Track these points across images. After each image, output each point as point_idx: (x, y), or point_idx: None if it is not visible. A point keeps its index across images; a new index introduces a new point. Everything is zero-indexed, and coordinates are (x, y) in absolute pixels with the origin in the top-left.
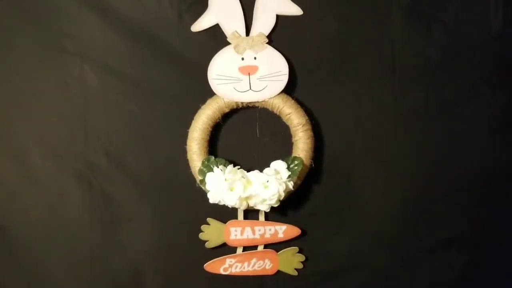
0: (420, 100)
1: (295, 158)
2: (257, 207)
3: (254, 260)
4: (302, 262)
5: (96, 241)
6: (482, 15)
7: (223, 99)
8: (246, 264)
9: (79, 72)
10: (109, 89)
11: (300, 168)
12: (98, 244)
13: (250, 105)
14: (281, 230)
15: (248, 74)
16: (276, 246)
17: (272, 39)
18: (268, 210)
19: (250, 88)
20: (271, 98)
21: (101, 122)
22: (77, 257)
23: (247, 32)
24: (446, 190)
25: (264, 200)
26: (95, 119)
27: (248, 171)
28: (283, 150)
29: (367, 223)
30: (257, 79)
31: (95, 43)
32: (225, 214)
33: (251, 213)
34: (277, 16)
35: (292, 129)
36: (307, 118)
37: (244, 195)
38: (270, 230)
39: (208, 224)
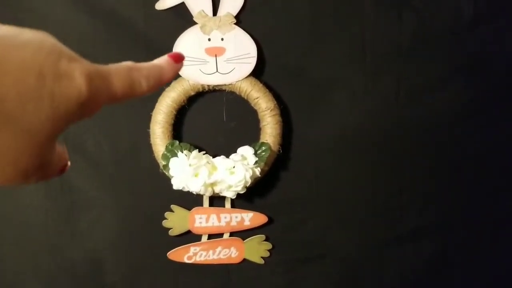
0: (391, 86)
1: (263, 143)
2: (223, 194)
3: (219, 248)
4: (268, 250)
5: (53, 230)
6: (453, 2)
7: (188, 81)
8: (211, 252)
9: None
10: None
11: (267, 154)
12: (55, 232)
13: (216, 88)
14: (248, 218)
15: (215, 55)
16: (242, 234)
17: (240, 20)
18: (234, 197)
19: (217, 71)
20: (238, 81)
21: None
22: (33, 246)
23: (214, 12)
24: (414, 179)
25: (230, 187)
26: None
27: (214, 156)
28: (251, 135)
29: (335, 211)
30: (224, 61)
31: (55, 20)
32: (190, 201)
33: (216, 200)
34: None
35: (260, 114)
36: (275, 102)
37: (209, 181)
38: (236, 217)
39: (172, 211)
